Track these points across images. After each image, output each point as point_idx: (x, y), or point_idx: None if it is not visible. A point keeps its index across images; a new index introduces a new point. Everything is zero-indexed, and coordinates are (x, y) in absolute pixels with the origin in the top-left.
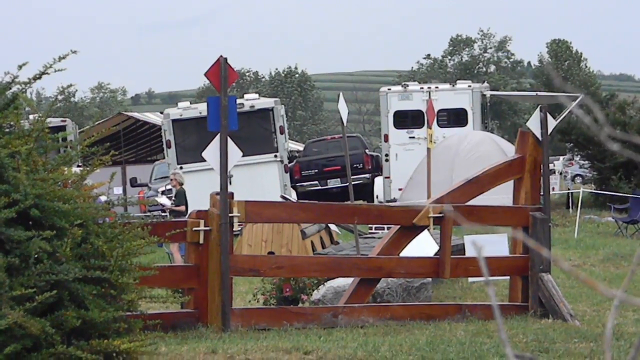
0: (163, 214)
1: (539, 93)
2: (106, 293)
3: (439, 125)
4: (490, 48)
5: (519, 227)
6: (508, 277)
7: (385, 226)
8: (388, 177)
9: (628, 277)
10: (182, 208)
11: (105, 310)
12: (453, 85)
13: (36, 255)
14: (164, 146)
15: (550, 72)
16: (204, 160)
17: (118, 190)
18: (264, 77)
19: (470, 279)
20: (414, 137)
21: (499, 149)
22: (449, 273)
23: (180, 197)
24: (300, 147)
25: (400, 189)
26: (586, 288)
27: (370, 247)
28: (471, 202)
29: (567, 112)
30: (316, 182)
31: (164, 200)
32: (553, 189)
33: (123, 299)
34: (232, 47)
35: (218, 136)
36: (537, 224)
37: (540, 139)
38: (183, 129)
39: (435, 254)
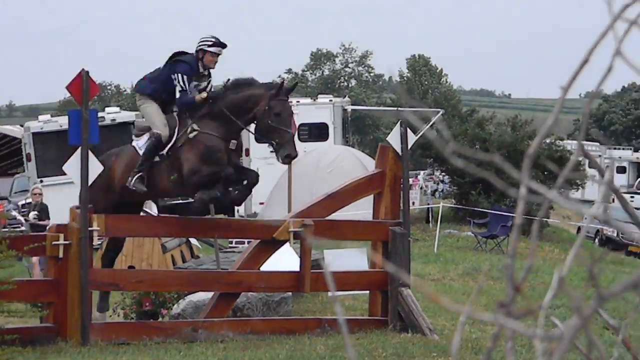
0: (21, 227)
1: (400, 108)
2: None
3: (300, 139)
4: (352, 62)
5: (379, 242)
6: (368, 292)
7: (246, 240)
8: None
9: (476, 291)
10: (49, 222)
11: None
12: (314, 100)
13: None
14: (24, 159)
15: (401, 91)
16: (65, 174)
17: None
18: (125, 91)
19: (330, 293)
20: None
21: (359, 164)
22: (309, 287)
23: (45, 211)
24: None
25: (261, 203)
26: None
27: (231, 262)
28: (332, 217)
29: (427, 127)
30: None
31: (16, 214)
32: (413, 203)
33: None
34: (94, 60)
35: (79, 150)
36: (397, 239)
37: (400, 153)
38: (44, 142)
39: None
